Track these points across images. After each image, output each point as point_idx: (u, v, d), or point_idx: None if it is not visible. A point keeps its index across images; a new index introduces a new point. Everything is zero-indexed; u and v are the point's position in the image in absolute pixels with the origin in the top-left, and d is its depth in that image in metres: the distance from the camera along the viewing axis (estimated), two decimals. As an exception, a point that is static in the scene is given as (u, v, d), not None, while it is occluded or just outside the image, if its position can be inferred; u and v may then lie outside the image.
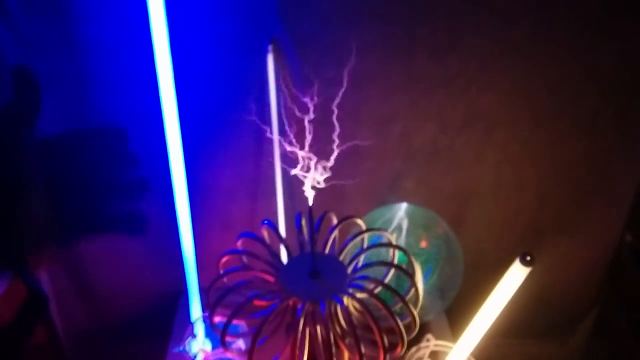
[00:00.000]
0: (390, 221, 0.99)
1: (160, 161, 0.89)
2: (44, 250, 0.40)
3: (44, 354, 1.11)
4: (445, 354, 0.88)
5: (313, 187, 0.62)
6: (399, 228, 0.99)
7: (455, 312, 1.06)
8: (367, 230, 0.69)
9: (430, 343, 0.90)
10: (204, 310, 1.01)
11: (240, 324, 0.70)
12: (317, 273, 0.64)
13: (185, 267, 0.97)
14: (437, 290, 0.99)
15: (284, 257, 0.70)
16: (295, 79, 0.94)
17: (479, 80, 0.94)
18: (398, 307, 0.67)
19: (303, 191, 1.03)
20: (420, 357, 0.89)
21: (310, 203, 0.62)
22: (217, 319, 0.90)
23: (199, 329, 0.89)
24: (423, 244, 1.00)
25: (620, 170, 1.04)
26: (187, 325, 1.02)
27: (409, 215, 0.99)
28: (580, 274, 1.16)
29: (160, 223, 1.02)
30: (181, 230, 0.94)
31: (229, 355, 0.65)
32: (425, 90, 0.95)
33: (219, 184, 1.04)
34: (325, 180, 0.65)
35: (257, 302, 0.63)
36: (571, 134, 0.99)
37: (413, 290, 0.66)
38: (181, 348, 0.88)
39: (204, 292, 1.00)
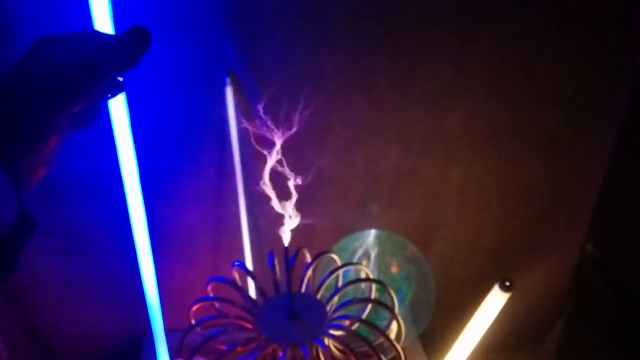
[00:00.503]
0: (358, 249, 0.98)
1: (120, 200, 0.85)
2: None
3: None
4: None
5: (288, 226, 0.60)
6: (368, 255, 0.98)
7: (428, 335, 1.06)
8: (344, 265, 0.68)
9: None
10: (171, 354, 0.97)
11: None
12: (295, 314, 0.62)
13: (149, 309, 0.93)
14: (410, 315, 0.99)
15: (254, 294, 0.68)
16: (255, 111, 0.92)
17: (440, 104, 0.95)
18: (379, 341, 0.65)
19: (269, 226, 1.01)
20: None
21: (286, 243, 0.59)
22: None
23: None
24: (394, 270, 0.99)
25: (579, 184, 1.06)
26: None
27: (378, 241, 0.98)
28: (545, 286, 1.18)
29: (120, 262, 0.99)
30: (142, 269, 0.90)
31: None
32: (387, 116, 0.95)
33: (181, 222, 1.01)
34: (295, 214, 0.63)
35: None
36: (531, 152, 1.01)
37: (394, 323, 0.65)
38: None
39: (170, 333, 0.97)
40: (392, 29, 0.87)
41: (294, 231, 0.64)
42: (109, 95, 0.47)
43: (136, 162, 0.83)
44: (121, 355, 1.14)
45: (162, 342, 0.94)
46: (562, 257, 1.16)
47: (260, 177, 0.96)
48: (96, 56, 0.43)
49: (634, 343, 1.09)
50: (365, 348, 0.61)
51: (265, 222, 1.00)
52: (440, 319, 1.03)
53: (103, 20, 0.74)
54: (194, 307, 0.64)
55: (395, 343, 0.61)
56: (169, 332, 0.97)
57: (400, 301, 0.98)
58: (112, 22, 0.75)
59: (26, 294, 1.03)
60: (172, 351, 0.97)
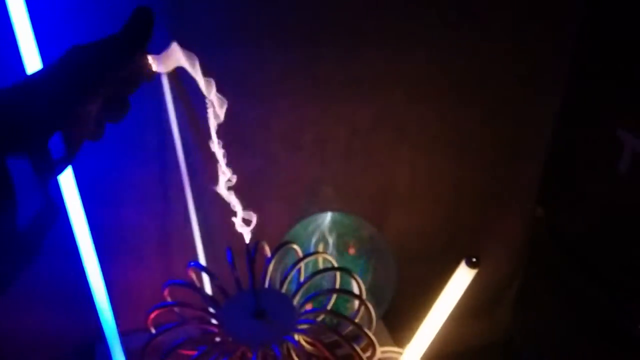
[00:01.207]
0: (314, 233, 0.96)
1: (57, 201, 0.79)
2: None
3: None
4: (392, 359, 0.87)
5: (245, 220, 0.57)
6: (324, 239, 0.96)
7: (389, 315, 1.05)
8: (306, 256, 0.65)
9: (377, 351, 0.87)
10: (127, 357, 0.92)
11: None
12: (262, 312, 0.59)
13: (99, 312, 0.88)
14: (373, 295, 0.98)
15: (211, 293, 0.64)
16: (195, 100, 0.87)
17: (385, 79, 0.93)
18: (349, 330, 0.63)
19: (218, 217, 0.97)
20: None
21: (247, 240, 0.56)
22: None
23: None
24: (351, 251, 0.97)
25: (527, 149, 1.07)
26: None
27: (333, 223, 0.96)
28: (500, 251, 1.20)
29: (65, 266, 0.92)
30: (88, 271, 0.84)
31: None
32: (334, 96, 0.92)
33: (125, 221, 0.95)
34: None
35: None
36: (478, 121, 1.01)
37: (363, 310, 0.63)
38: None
39: (123, 336, 0.92)
40: (334, 7, 0.84)
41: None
42: (133, 87, 0.48)
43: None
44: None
45: (117, 345, 0.89)
46: (515, 223, 1.18)
47: (205, 170, 0.93)
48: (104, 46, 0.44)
49: (585, 301, 1.12)
50: (335, 338, 0.59)
51: (216, 216, 0.96)
52: (401, 297, 1.03)
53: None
54: (152, 315, 0.60)
55: (367, 331, 0.59)
56: (122, 334, 0.92)
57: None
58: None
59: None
60: (128, 354, 0.92)
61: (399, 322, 1.01)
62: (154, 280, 1.00)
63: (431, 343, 0.79)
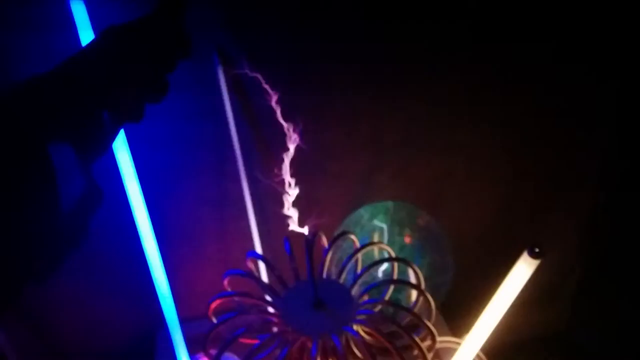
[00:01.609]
0: (370, 221, 0.95)
1: (119, 193, 0.82)
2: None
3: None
4: (448, 350, 0.85)
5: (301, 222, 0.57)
6: (380, 228, 0.95)
7: (446, 304, 1.04)
8: (363, 246, 0.65)
9: (436, 341, 0.86)
10: (188, 345, 0.94)
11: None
12: (321, 303, 0.59)
13: (162, 302, 0.90)
14: (430, 284, 0.96)
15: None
16: (251, 89, 0.88)
17: (442, 65, 0.91)
18: (407, 320, 0.63)
19: (274, 208, 0.98)
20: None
21: (306, 232, 0.56)
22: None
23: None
24: (407, 239, 0.96)
25: (590, 135, 1.04)
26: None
27: (389, 212, 0.95)
28: (560, 241, 1.16)
29: (127, 257, 0.96)
30: (150, 261, 0.87)
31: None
32: (388, 84, 0.91)
33: (185, 213, 0.97)
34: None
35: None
36: (538, 105, 0.98)
37: (422, 300, 0.62)
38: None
39: (183, 323, 0.94)
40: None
41: (302, 209, 0.61)
42: (170, 67, 0.48)
43: (130, 157, 0.80)
44: (135, 350, 1.12)
45: (178, 333, 0.92)
46: (576, 210, 1.14)
47: (259, 160, 0.94)
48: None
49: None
50: (393, 329, 0.58)
51: (271, 205, 0.97)
52: (456, 285, 1.01)
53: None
54: (213, 305, 0.61)
55: (426, 322, 0.59)
56: (182, 322, 0.94)
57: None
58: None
59: (33, 295, 1.00)
60: (188, 341, 0.95)
61: (456, 311, 0.99)
62: (213, 269, 1.03)
63: (489, 334, 0.77)
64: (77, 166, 0.40)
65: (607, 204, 1.13)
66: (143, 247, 0.86)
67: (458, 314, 0.96)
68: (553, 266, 1.21)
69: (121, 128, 0.45)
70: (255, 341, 0.57)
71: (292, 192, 0.60)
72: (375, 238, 0.92)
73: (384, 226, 0.94)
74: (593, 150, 1.07)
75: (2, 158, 0.36)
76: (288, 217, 0.62)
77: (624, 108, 1.01)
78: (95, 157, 0.43)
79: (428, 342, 0.60)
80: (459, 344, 0.81)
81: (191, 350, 0.94)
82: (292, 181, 0.61)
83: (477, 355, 0.81)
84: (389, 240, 0.94)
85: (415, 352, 0.57)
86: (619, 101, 1.01)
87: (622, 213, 1.13)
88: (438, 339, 0.87)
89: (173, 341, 0.93)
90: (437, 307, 1.01)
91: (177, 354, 0.93)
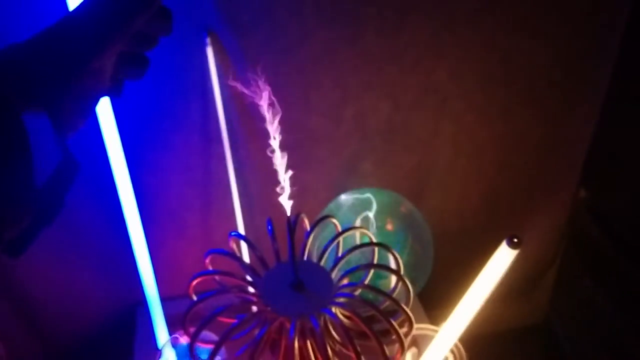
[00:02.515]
0: (352, 208, 0.96)
1: (104, 168, 0.81)
2: None
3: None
4: (426, 337, 0.87)
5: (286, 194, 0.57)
6: (362, 214, 0.96)
7: (425, 291, 1.05)
8: (345, 230, 0.65)
9: (413, 326, 0.87)
10: (168, 323, 0.95)
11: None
12: (300, 284, 0.60)
13: (142, 279, 0.90)
14: (410, 272, 0.98)
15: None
16: (239, 71, 0.87)
17: (429, 53, 0.91)
18: (385, 305, 0.64)
19: (258, 189, 0.98)
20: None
21: (289, 213, 0.56)
22: (183, 340, 0.85)
23: (168, 352, 0.83)
24: (389, 226, 0.97)
25: (572, 129, 1.05)
26: (149, 342, 0.96)
27: (372, 198, 0.96)
28: (539, 233, 1.18)
29: (108, 233, 0.96)
30: (133, 239, 0.87)
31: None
32: (376, 70, 0.91)
33: (169, 190, 0.97)
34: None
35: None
36: (523, 99, 0.99)
37: (401, 286, 0.63)
38: (152, 374, 0.82)
39: (164, 302, 0.94)
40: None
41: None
42: (150, 43, 0.47)
43: (118, 131, 0.80)
44: (115, 326, 1.12)
45: (158, 310, 0.92)
46: (557, 204, 1.16)
47: (246, 140, 0.94)
48: None
49: (628, 287, 1.10)
50: (371, 313, 0.59)
51: (256, 187, 0.97)
52: (437, 275, 1.02)
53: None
54: (194, 282, 0.61)
55: (404, 307, 0.59)
56: (163, 300, 0.95)
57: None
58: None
59: (13, 270, 0.99)
60: (168, 319, 0.95)
61: (435, 300, 1.01)
62: (195, 248, 1.03)
63: (467, 323, 0.78)
64: (53, 138, 0.39)
65: (588, 199, 1.15)
66: (126, 223, 0.86)
67: (437, 304, 0.97)
68: (532, 259, 1.23)
69: (98, 102, 0.45)
70: (234, 320, 0.58)
71: (278, 175, 0.60)
72: (358, 224, 0.93)
73: (367, 213, 0.95)
74: (575, 146, 1.08)
75: None
76: (274, 197, 0.62)
77: (609, 104, 1.02)
78: (71, 130, 0.43)
79: (405, 328, 0.60)
80: (436, 331, 0.83)
81: (171, 328, 0.94)
82: (279, 165, 0.61)
83: (455, 344, 0.83)
84: (371, 227, 0.95)
85: (393, 337, 0.58)
86: (605, 96, 1.02)
87: (602, 208, 1.15)
88: (415, 325, 0.88)
89: (153, 319, 0.93)
90: (415, 296, 1.02)
91: (156, 331, 0.93)
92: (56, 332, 1.11)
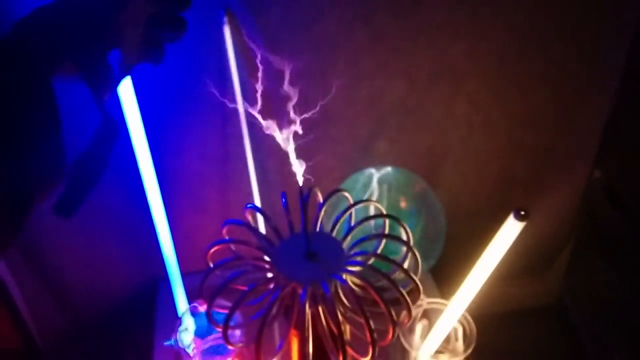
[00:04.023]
0: (366, 186, 0.97)
1: (125, 147, 0.84)
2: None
3: (20, 360, 1.07)
4: (437, 311, 0.89)
5: (300, 165, 0.59)
6: (375, 192, 0.98)
7: (438, 269, 1.07)
8: (357, 203, 0.67)
9: (423, 302, 0.90)
10: (189, 297, 0.98)
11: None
12: (312, 253, 0.62)
13: (164, 254, 0.94)
14: (421, 249, 0.99)
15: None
16: (255, 50, 0.89)
17: (444, 33, 0.92)
18: (394, 276, 0.66)
19: (274, 166, 1.01)
20: (414, 317, 0.89)
21: (300, 183, 0.59)
22: (203, 308, 0.88)
23: (188, 319, 0.86)
24: (403, 205, 0.99)
25: (587, 111, 1.05)
26: (170, 314, 0.99)
27: (385, 177, 0.98)
28: (553, 214, 1.18)
29: (127, 209, 0.99)
30: (154, 214, 0.90)
31: (230, 346, 0.63)
32: (391, 49, 0.92)
33: (188, 168, 1.00)
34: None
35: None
36: (538, 79, 0.99)
37: (410, 256, 0.65)
38: (172, 341, 0.85)
39: (183, 277, 0.98)
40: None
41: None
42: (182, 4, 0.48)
43: (139, 111, 0.82)
44: (137, 300, 1.16)
45: (179, 284, 0.95)
46: (571, 184, 1.16)
47: (263, 117, 0.96)
48: None
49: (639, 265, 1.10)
50: (382, 283, 0.61)
51: (272, 163, 1.00)
52: (449, 253, 1.04)
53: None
54: (212, 250, 0.64)
55: (413, 276, 0.61)
56: (182, 276, 0.98)
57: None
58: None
59: (40, 246, 1.03)
60: (188, 293, 0.99)
61: (447, 278, 1.02)
62: (213, 224, 1.06)
63: (481, 303, 0.80)
64: (91, 99, 0.41)
65: (602, 178, 1.15)
66: (148, 200, 0.89)
67: (450, 281, 0.98)
68: (546, 239, 1.23)
69: (133, 63, 0.46)
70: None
71: (293, 152, 0.62)
72: (371, 204, 0.95)
73: (381, 191, 0.97)
74: (590, 126, 1.08)
75: (7, 89, 0.37)
76: (290, 173, 0.64)
77: (625, 84, 1.02)
78: (107, 90, 0.44)
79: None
80: (446, 305, 0.85)
81: (190, 300, 0.98)
82: (292, 140, 0.63)
83: (463, 316, 0.85)
84: (385, 205, 0.97)
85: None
86: (621, 76, 1.02)
87: (616, 188, 1.16)
88: (427, 300, 0.91)
89: (173, 289, 0.96)
90: (427, 271, 1.04)
91: (176, 302, 0.97)
92: (82, 305, 1.15)
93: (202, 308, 0.86)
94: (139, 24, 0.45)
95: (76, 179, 0.42)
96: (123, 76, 0.46)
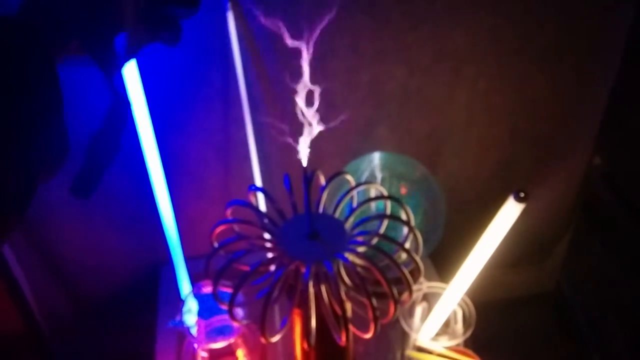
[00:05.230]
0: (367, 171, 0.99)
1: (130, 133, 0.85)
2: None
3: (24, 343, 1.08)
4: (437, 295, 0.90)
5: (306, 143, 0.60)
6: (376, 178, 0.99)
7: (438, 254, 1.08)
8: (358, 185, 0.68)
9: (423, 285, 0.91)
10: (192, 279, 0.99)
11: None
12: (315, 234, 0.63)
13: (168, 238, 0.95)
14: (421, 234, 1.00)
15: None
16: (258, 36, 0.90)
17: (445, 21, 0.93)
18: (396, 256, 0.67)
19: (276, 152, 1.02)
20: (414, 300, 0.91)
21: (305, 164, 0.60)
22: (207, 290, 0.89)
23: (192, 301, 0.87)
24: (403, 190, 1.00)
25: (585, 96, 1.06)
26: (172, 296, 1.01)
27: (386, 163, 0.99)
28: (553, 201, 1.20)
29: (131, 194, 1.00)
30: (158, 199, 0.91)
31: (235, 324, 0.64)
32: (392, 36, 0.93)
33: (191, 152, 1.01)
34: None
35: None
36: (537, 66, 1.01)
37: (411, 237, 0.66)
38: (176, 321, 0.86)
39: (186, 261, 0.99)
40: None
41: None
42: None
43: (144, 95, 0.83)
44: (140, 284, 1.17)
45: (183, 268, 0.96)
46: (570, 171, 1.17)
47: (265, 103, 0.97)
48: None
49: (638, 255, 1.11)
50: (385, 263, 0.62)
51: (273, 149, 1.01)
52: (450, 239, 1.05)
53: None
54: (217, 230, 0.65)
55: (414, 255, 0.62)
56: (185, 259, 0.99)
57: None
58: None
59: (44, 229, 1.04)
60: (190, 277, 1.00)
61: (447, 263, 1.03)
62: (215, 210, 1.07)
63: (480, 290, 0.82)
64: (101, 79, 0.42)
65: (602, 166, 1.16)
66: (152, 183, 0.90)
67: (450, 266, 1.00)
68: (545, 226, 1.25)
69: (143, 46, 0.46)
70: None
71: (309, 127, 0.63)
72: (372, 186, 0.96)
73: (381, 176, 0.98)
74: (589, 113, 1.09)
75: (11, 69, 0.37)
76: (292, 157, 0.65)
77: (623, 71, 1.03)
78: (115, 70, 0.44)
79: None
80: (442, 288, 0.86)
81: (194, 284, 0.99)
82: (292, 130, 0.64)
83: (463, 300, 0.86)
84: (385, 190, 0.98)
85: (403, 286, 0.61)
86: (619, 63, 1.03)
87: (616, 176, 1.16)
88: (427, 283, 0.92)
89: (177, 274, 0.97)
90: (427, 256, 1.05)
91: (180, 285, 0.98)
92: (85, 289, 1.16)
93: (207, 289, 0.87)
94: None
95: (91, 159, 0.43)
96: (131, 56, 0.47)
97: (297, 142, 0.64)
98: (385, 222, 0.67)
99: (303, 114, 0.65)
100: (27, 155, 0.38)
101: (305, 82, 0.68)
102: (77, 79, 0.43)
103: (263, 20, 0.89)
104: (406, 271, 0.60)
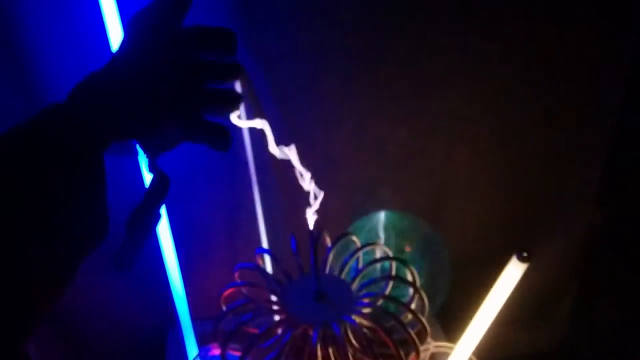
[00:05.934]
0: (372, 230, 1.00)
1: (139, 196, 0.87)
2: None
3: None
4: (444, 354, 0.89)
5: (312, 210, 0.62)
6: (381, 237, 1.00)
7: (444, 313, 1.08)
8: (364, 246, 0.70)
9: (430, 345, 0.90)
10: (198, 341, 0.99)
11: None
12: (322, 295, 0.64)
13: (175, 299, 0.95)
14: (427, 293, 1.01)
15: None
16: (263, 99, 0.93)
17: (444, 82, 0.96)
18: (402, 317, 0.67)
19: (283, 214, 1.03)
20: (422, 360, 0.90)
21: (311, 227, 0.61)
22: (215, 352, 0.89)
23: (199, 365, 0.87)
24: (408, 249, 1.01)
25: (586, 154, 1.08)
26: (179, 358, 1.00)
27: (390, 222, 1.00)
28: (557, 258, 1.20)
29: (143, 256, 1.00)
30: (167, 264, 0.92)
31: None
32: (393, 98, 0.97)
33: (197, 215, 1.02)
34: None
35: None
36: (538, 124, 1.03)
37: (417, 298, 0.67)
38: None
39: (193, 323, 0.99)
40: (394, 12, 0.89)
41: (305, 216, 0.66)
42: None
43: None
44: (146, 346, 1.16)
45: (190, 330, 0.96)
46: (573, 228, 1.18)
47: (272, 166, 0.99)
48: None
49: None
50: (391, 324, 0.63)
51: (279, 210, 1.02)
52: (455, 297, 1.05)
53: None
54: (225, 293, 0.66)
55: (420, 316, 0.63)
56: (192, 321, 0.99)
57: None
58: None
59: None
60: (198, 339, 0.99)
61: (454, 321, 1.03)
62: (222, 272, 1.07)
63: (488, 348, 0.81)
64: (146, 160, 0.44)
65: (604, 221, 1.17)
66: (160, 246, 0.91)
67: (456, 324, 0.99)
68: (549, 282, 1.24)
69: (179, 139, 0.47)
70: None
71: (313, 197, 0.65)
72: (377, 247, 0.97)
73: (386, 235, 0.99)
74: (592, 168, 1.11)
75: (60, 156, 0.38)
76: (297, 218, 0.67)
77: (623, 126, 1.06)
78: (162, 151, 0.46)
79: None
80: (452, 348, 0.85)
81: (200, 346, 0.98)
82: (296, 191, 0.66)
83: (470, 359, 0.85)
84: (390, 249, 0.99)
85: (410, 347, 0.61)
86: (619, 119, 1.05)
87: (619, 231, 1.17)
88: (434, 343, 0.91)
89: (184, 336, 0.97)
90: (434, 315, 1.05)
91: (187, 346, 0.97)
92: (92, 351, 1.15)
93: (215, 352, 0.87)
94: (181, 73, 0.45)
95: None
96: (179, 142, 0.48)
97: (300, 203, 0.66)
98: (391, 284, 0.68)
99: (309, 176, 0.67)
100: (67, 240, 0.40)
101: (309, 144, 0.70)
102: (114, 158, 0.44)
103: (269, 87, 0.92)
104: (412, 332, 0.61)
